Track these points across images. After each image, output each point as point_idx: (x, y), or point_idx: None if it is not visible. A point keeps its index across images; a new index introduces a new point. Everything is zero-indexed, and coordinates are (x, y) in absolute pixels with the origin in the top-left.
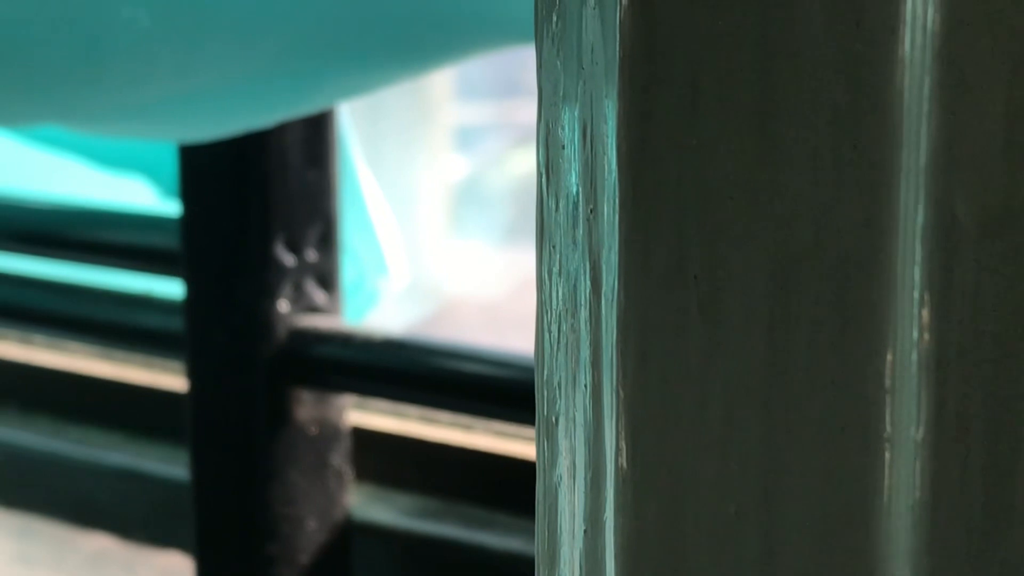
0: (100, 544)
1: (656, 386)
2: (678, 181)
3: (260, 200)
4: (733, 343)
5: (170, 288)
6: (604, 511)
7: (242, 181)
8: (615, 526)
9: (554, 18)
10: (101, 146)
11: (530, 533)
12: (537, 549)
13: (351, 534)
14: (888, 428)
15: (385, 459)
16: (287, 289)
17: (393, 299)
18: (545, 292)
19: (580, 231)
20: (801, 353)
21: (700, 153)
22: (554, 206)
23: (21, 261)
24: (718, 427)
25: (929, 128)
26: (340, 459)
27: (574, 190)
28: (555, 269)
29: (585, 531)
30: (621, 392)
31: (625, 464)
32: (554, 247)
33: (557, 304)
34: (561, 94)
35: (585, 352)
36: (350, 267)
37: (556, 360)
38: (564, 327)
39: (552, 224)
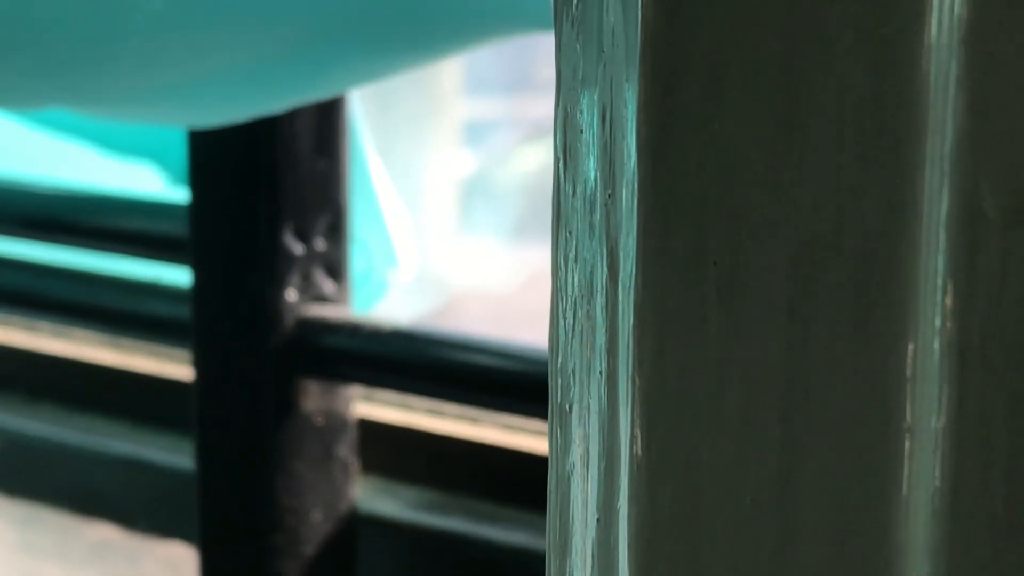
0: (104, 534)
1: (673, 373)
2: (699, 166)
3: (269, 188)
4: (752, 330)
5: (178, 276)
6: (618, 499)
7: (251, 169)
8: (629, 515)
9: (574, 0)
10: (110, 132)
11: (535, 527)
12: (549, 538)
13: (356, 526)
14: (908, 418)
15: (391, 451)
16: (295, 278)
17: (400, 292)
18: (560, 279)
19: (597, 216)
20: (821, 341)
21: (722, 138)
22: (571, 191)
23: (28, 247)
24: (735, 415)
25: (955, 114)
26: (346, 450)
27: (592, 175)
28: (571, 255)
29: (598, 520)
30: (637, 379)
31: (640, 452)
32: (570, 233)
33: (573, 291)
34: (580, 78)
35: (601, 339)
36: (359, 257)
37: (571, 347)
38: (579, 314)
39: (569, 209)
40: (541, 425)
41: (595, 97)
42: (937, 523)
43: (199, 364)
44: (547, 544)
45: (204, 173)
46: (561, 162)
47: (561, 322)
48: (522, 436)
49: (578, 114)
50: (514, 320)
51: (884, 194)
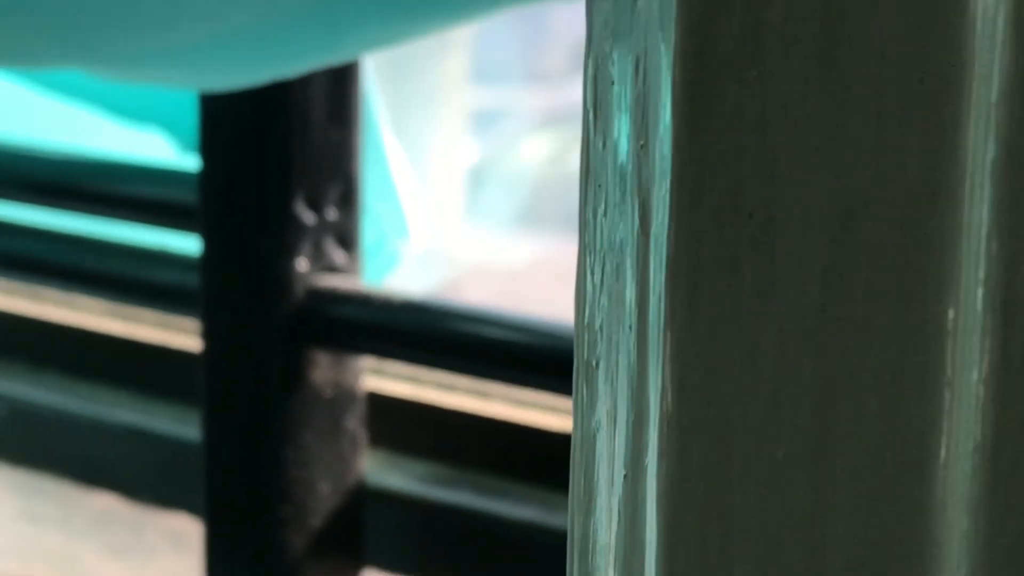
0: (107, 503)
1: (705, 326)
2: (735, 117)
3: (281, 156)
4: (787, 283)
5: (187, 244)
6: (646, 455)
7: (263, 137)
8: (658, 470)
9: None
10: (120, 97)
11: (544, 502)
12: (572, 496)
13: (364, 499)
14: (949, 371)
15: (400, 425)
16: (306, 248)
17: (409, 267)
18: (589, 233)
19: (629, 168)
20: (857, 296)
21: (759, 86)
22: (601, 144)
23: (34, 212)
24: (769, 369)
25: (1001, 62)
26: (355, 423)
27: (624, 127)
28: (600, 209)
29: (625, 476)
30: (669, 332)
31: (671, 407)
32: (600, 186)
33: (602, 245)
34: (612, 29)
35: (631, 293)
36: (370, 228)
37: (599, 302)
38: (608, 268)
39: (598, 163)
40: (551, 400)
41: (628, 48)
42: (978, 478)
43: (207, 333)
44: (570, 502)
45: (215, 140)
46: (592, 114)
47: (588, 277)
48: (531, 411)
49: (609, 66)
50: (521, 298)
51: (927, 144)
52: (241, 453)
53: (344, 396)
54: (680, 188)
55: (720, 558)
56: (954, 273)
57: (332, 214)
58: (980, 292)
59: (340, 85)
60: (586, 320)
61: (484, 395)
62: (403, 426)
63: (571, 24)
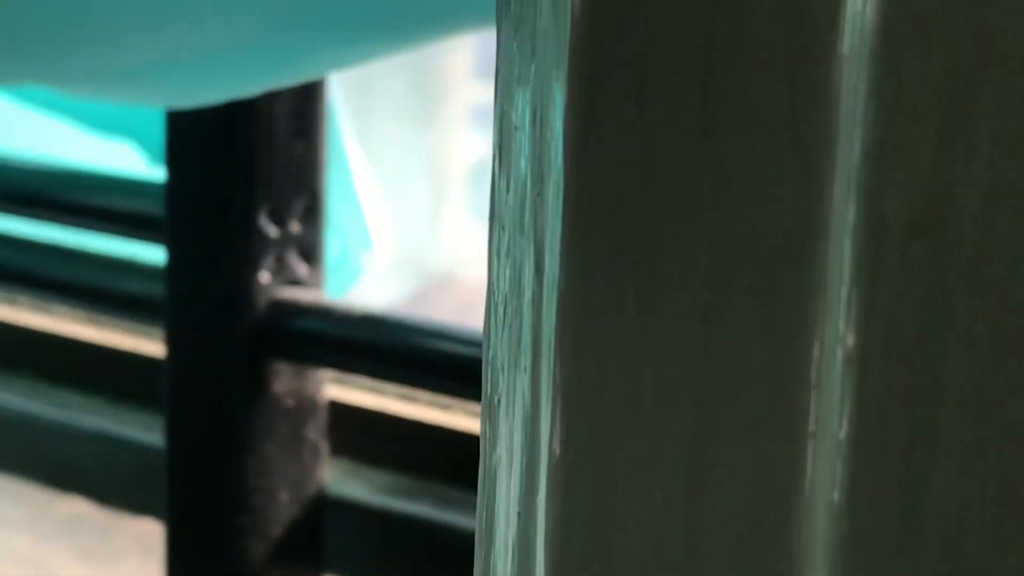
0: (76, 508)
1: (592, 371)
2: (621, 167)
3: (246, 170)
4: (668, 331)
5: (154, 254)
6: (537, 495)
7: (229, 150)
8: (546, 511)
9: (511, 1)
10: (90, 109)
11: None
12: (477, 529)
13: (324, 508)
14: (812, 424)
15: (361, 435)
16: (269, 260)
17: (382, 275)
18: (494, 273)
19: (527, 214)
20: (733, 345)
21: (643, 140)
22: (505, 188)
23: (5, 221)
24: (649, 415)
25: (863, 125)
26: (316, 433)
27: (524, 172)
28: (503, 250)
29: (519, 514)
30: (558, 376)
31: (558, 448)
32: (503, 228)
33: (504, 285)
34: (516, 77)
35: (527, 334)
36: (334, 241)
37: (501, 341)
38: (509, 308)
39: (503, 205)
40: None
41: (528, 96)
42: (837, 528)
43: (171, 343)
44: (476, 535)
45: (181, 153)
46: (497, 159)
47: (493, 316)
48: None
49: (513, 112)
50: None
51: (796, 202)
52: (203, 461)
53: (305, 406)
54: (569, 235)
55: None
56: (818, 329)
57: (296, 227)
58: (839, 350)
59: (305, 100)
60: (490, 357)
61: (445, 407)
62: (364, 436)
63: None
